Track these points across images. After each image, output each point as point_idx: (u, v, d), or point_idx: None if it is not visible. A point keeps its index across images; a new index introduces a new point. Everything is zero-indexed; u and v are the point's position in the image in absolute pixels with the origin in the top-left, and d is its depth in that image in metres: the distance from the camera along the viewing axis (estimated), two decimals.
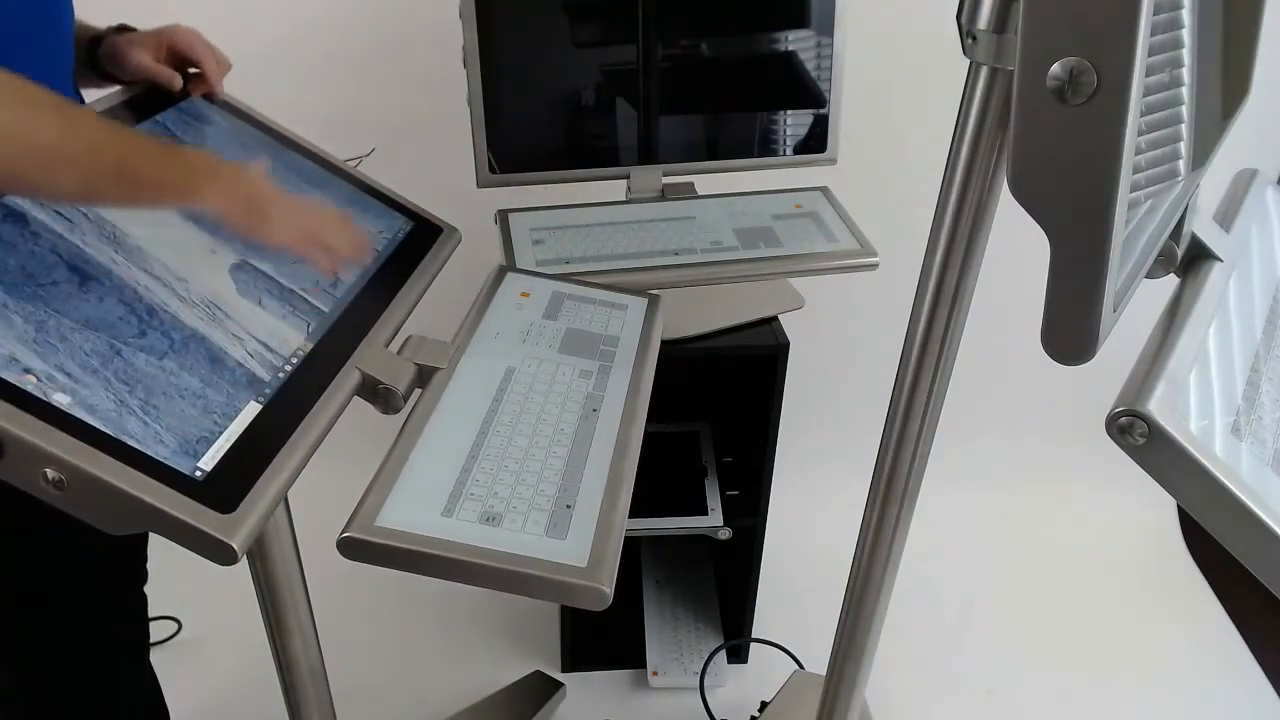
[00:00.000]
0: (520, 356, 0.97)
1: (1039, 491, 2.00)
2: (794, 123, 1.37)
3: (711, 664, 1.61)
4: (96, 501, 0.66)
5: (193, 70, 1.02)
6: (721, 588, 1.76)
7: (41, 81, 0.88)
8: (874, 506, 0.89)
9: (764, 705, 1.50)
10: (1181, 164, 0.58)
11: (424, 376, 0.92)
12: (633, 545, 1.77)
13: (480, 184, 1.32)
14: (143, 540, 1.11)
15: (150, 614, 1.11)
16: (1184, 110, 0.57)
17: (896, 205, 1.48)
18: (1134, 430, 0.58)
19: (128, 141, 0.75)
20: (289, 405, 0.80)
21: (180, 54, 1.00)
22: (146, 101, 0.99)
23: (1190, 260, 0.76)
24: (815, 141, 1.38)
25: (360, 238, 0.96)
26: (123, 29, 1.01)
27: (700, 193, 1.40)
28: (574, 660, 1.65)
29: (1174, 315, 0.69)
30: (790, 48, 1.33)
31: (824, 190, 1.39)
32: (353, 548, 0.74)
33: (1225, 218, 0.83)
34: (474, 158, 1.30)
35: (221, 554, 0.67)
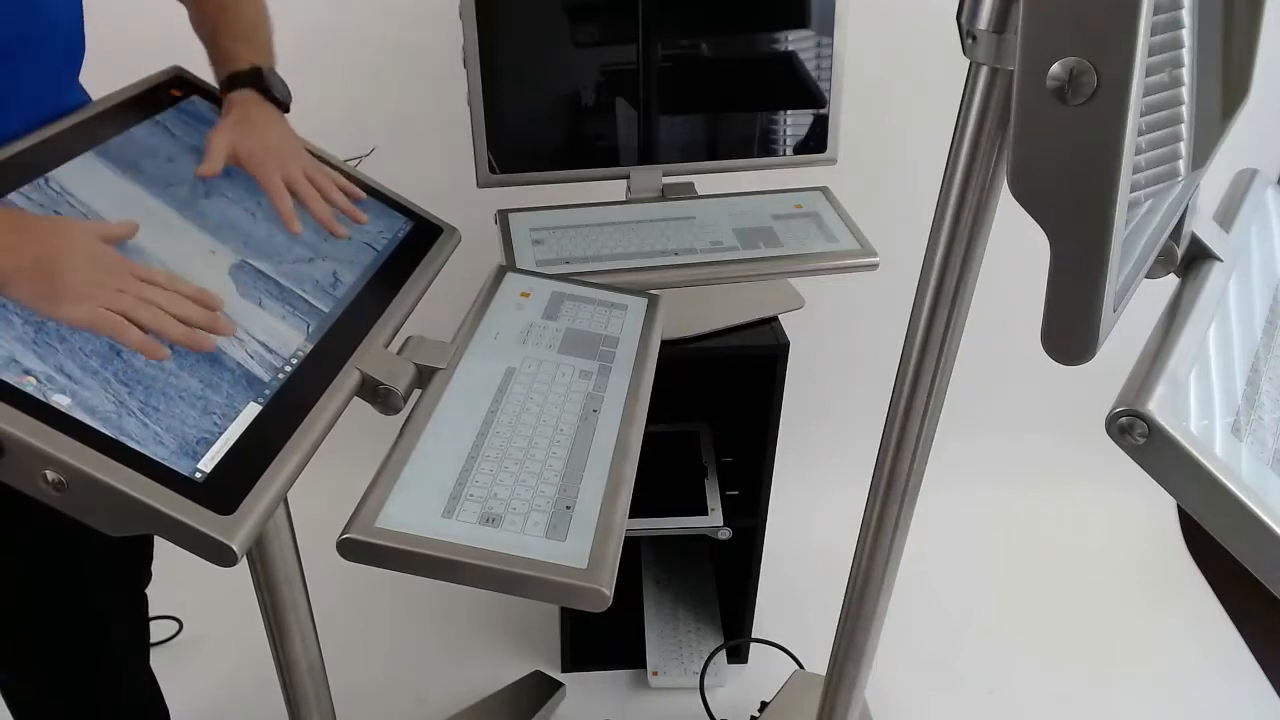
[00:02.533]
0: (520, 357, 0.97)
1: (1039, 491, 2.00)
2: (794, 123, 1.37)
3: (711, 664, 1.61)
4: (96, 503, 0.66)
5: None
6: (721, 588, 1.76)
7: (42, 82, 0.89)
8: (874, 506, 0.89)
9: (764, 705, 1.50)
10: (1181, 164, 0.58)
11: (424, 377, 0.92)
12: (633, 545, 1.77)
13: (480, 184, 1.32)
14: (148, 542, 1.11)
15: (150, 614, 1.12)
16: (1184, 110, 0.57)
17: (896, 205, 1.48)
18: (1134, 430, 0.58)
19: None
20: (289, 406, 0.80)
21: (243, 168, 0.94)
22: (146, 102, 0.99)
23: (1190, 260, 0.76)
24: (815, 141, 1.38)
25: (207, 319, 0.78)
26: (249, 80, 0.97)
27: (700, 193, 1.40)
28: (574, 660, 1.65)
29: (1174, 315, 0.69)
30: (790, 48, 1.33)
31: (824, 190, 1.39)
32: (353, 549, 0.73)
33: (1225, 218, 0.83)
34: (474, 158, 1.30)
35: (221, 555, 0.67)
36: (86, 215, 0.82)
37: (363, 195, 1.03)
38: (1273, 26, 0.75)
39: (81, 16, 0.91)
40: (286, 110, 1.01)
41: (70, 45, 0.91)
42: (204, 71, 1.04)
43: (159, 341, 0.74)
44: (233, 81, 0.97)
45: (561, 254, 1.24)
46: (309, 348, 0.87)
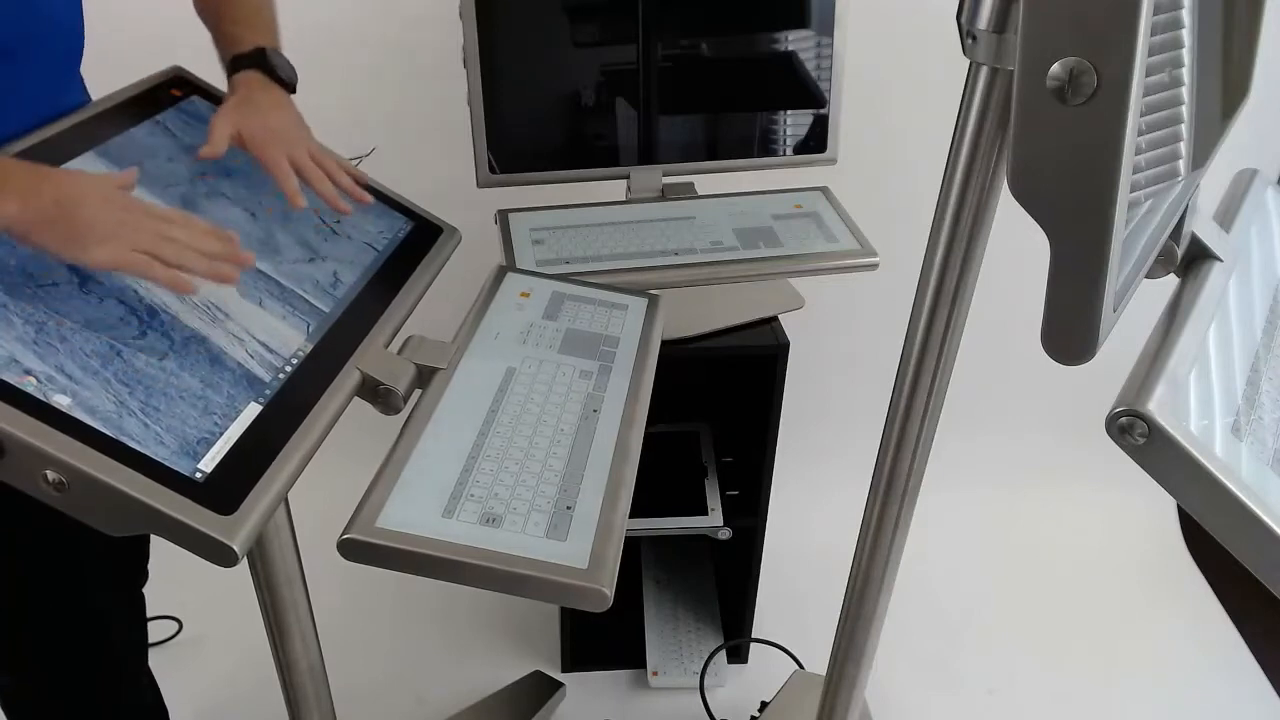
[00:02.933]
0: (520, 357, 0.97)
1: (1039, 491, 2.00)
2: (794, 123, 1.37)
3: (711, 664, 1.61)
4: (96, 503, 0.66)
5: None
6: (721, 588, 1.76)
7: (43, 81, 0.89)
8: (874, 506, 0.89)
9: (764, 705, 1.50)
10: (1181, 164, 0.58)
11: (424, 377, 0.92)
12: (633, 545, 1.77)
13: (480, 184, 1.32)
14: (145, 542, 1.11)
15: (150, 614, 1.12)
16: (1184, 110, 0.57)
17: (896, 205, 1.48)
18: (1134, 430, 0.58)
19: None
20: (289, 406, 0.80)
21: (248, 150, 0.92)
22: (146, 102, 0.99)
23: (1190, 260, 0.76)
24: (815, 141, 1.38)
25: (228, 251, 0.79)
26: (253, 61, 0.96)
27: (700, 193, 1.40)
28: (574, 660, 1.65)
29: (1174, 315, 0.69)
30: (790, 48, 1.33)
31: (824, 190, 1.39)
32: (353, 549, 0.74)
33: (1225, 218, 0.83)
34: (474, 158, 1.30)
35: (222, 556, 0.67)
36: None
37: (368, 181, 1.02)
38: (1273, 26, 0.75)
39: (81, 15, 0.90)
40: (292, 91, 0.99)
41: (70, 44, 0.91)
42: (204, 70, 1.04)
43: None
44: (236, 63, 0.96)
45: (561, 254, 1.24)
46: (309, 348, 0.87)
